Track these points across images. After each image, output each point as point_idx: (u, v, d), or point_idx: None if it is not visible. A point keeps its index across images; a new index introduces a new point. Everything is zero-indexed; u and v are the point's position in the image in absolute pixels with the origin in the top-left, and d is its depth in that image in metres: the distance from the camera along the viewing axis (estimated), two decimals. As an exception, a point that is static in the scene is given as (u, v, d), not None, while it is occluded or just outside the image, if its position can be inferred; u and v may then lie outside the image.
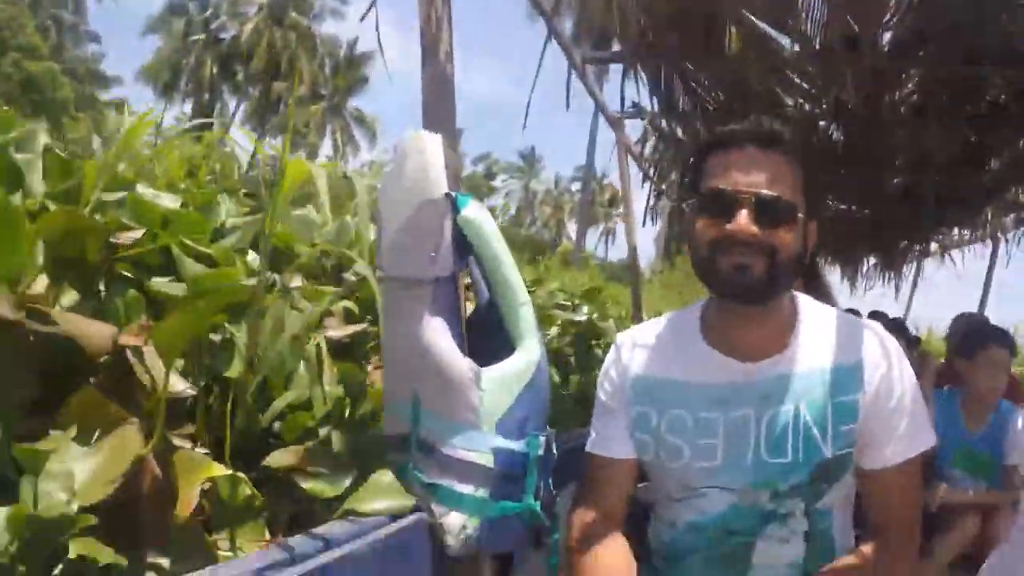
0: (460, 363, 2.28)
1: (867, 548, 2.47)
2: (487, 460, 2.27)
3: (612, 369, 2.65)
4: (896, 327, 8.90)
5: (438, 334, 2.30)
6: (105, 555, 1.56)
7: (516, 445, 2.32)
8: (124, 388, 1.95)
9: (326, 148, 72.11)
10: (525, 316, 2.50)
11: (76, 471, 1.65)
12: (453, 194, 2.43)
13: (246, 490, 2.08)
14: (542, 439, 2.38)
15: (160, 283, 2.38)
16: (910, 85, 6.13)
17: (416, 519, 2.19)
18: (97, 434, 1.76)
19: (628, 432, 2.55)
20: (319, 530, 1.92)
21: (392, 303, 2.41)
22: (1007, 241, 10.85)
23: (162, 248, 2.46)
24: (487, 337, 2.55)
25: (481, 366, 2.34)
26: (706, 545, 2.51)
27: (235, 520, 2.04)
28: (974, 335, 5.81)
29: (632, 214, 7.36)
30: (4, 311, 1.76)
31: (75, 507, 1.59)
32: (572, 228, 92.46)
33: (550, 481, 2.48)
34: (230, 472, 1.98)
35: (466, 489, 2.24)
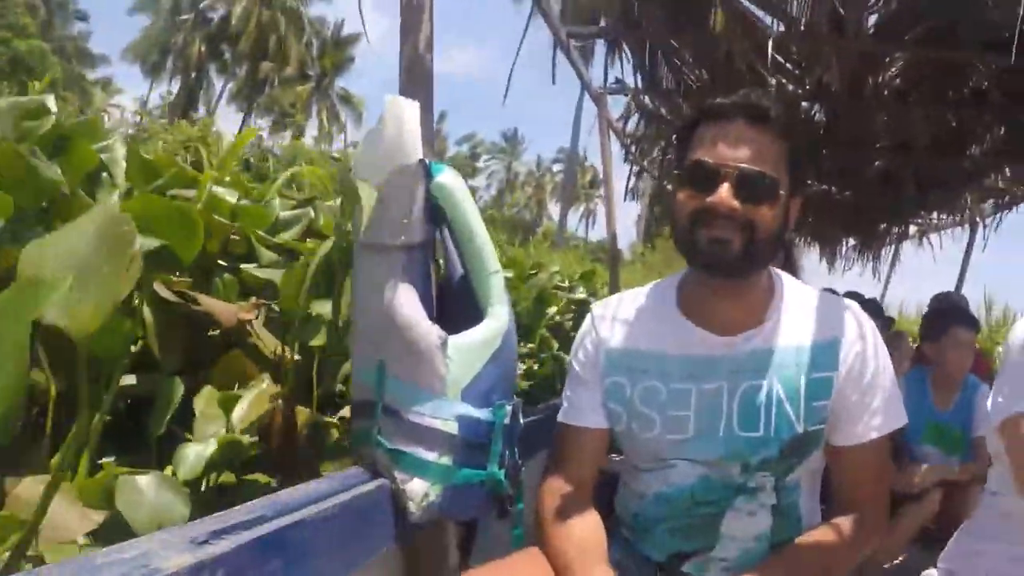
0: (427, 330, 2.27)
1: (835, 523, 2.47)
2: (451, 427, 2.26)
3: (586, 339, 2.64)
4: (871, 308, 8.94)
5: (407, 301, 2.29)
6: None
7: (481, 413, 2.32)
8: (251, 352, 2.61)
9: (312, 128, 72.28)
10: (495, 284, 2.50)
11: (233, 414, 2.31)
12: (427, 160, 2.43)
13: (335, 432, 2.73)
14: (508, 408, 2.38)
15: (250, 268, 2.89)
16: (894, 69, 6.14)
17: (378, 484, 2.19)
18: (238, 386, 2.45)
19: (600, 402, 2.54)
20: (278, 494, 1.91)
21: (363, 268, 2.40)
22: (985, 226, 10.89)
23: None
24: (458, 305, 2.55)
25: (450, 334, 2.34)
26: (674, 516, 2.50)
27: (327, 454, 2.63)
28: (939, 318, 5.98)
29: (612, 190, 7.35)
30: (166, 294, 2.35)
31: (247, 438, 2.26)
32: (552, 209, 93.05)
33: (516, 450, 2.48)
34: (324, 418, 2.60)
35: (430, 456, 2.24)
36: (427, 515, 2.24)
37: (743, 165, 2.26)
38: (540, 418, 3.18)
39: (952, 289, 10.53)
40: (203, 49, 67.96)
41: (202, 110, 67.21)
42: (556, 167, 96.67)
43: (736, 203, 2.24)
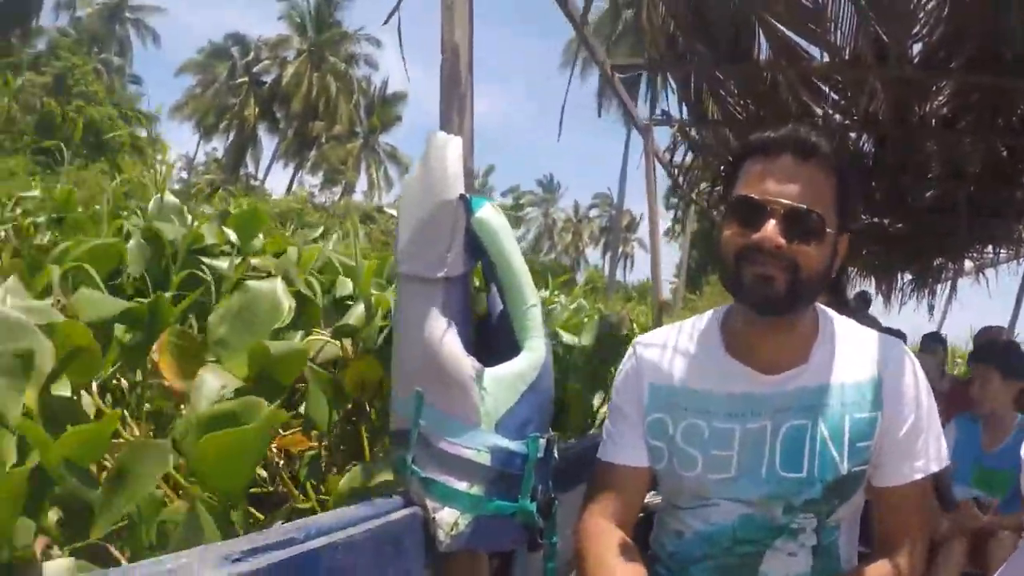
0: (463, 361, 2.31)
1: (877, 565, 2.43)
2: (484, 458, 2.29)
3: (628, 374, 2.60)
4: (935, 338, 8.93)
5: (444, 332, 2.33)
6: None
7: (515, 445, 2.33)
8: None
9: (362, 183, 74.90)
10: (533, 318, 2.52)
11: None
12: (468, 196, 2.46)
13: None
14: (542, 441, 2.39)
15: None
16: (941, 97, 6.09)
17: (410, 512, 2.22)
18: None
19: (642, 439, 2.51)
20: (313, 518, 1.93)
21: (404, 299, 2.45)
22: (1040, 259, 10.77)
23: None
24: (497, 338, 2.56)
25: (489, 366, 2.35)
26: (714, 555, 2.47)
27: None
28: (971, 358, 5.92)
29: (658, 223, 7.34)
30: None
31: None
32: (589, 253, 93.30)
33: (550, 484, 2.48)
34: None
35: (461, 486, 2.26)
36: (456, 544, 2.26)
37: (790, 202, 2.23)
38: (576, 452, 3.17)
39: (1008, 323, 10.42)
40: (257, 110, 70.44)
41: (251, 167, 71.12)
42: (593, 212, 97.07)
43: (782, 240, 2.20)
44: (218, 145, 72.01)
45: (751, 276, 2.25)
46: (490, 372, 2.36)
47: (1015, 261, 11.36)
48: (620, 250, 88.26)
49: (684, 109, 6.59)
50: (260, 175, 71.14)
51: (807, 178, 2.27)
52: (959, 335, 16.04)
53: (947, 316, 13.05)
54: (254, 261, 3.68)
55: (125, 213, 4.31)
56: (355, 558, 1.86)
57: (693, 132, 7.17)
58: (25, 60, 47.47)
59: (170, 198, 4.11)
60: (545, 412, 2.51)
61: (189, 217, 4.06)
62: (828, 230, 2.27)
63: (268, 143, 73.09)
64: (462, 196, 2.44)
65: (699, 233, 11.01)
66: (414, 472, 2.28)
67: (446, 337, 2.32)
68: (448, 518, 2.25)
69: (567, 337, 4.34)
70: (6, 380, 1.87)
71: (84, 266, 3.00)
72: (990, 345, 6.55)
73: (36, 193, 4.56)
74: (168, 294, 2.87)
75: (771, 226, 2.21)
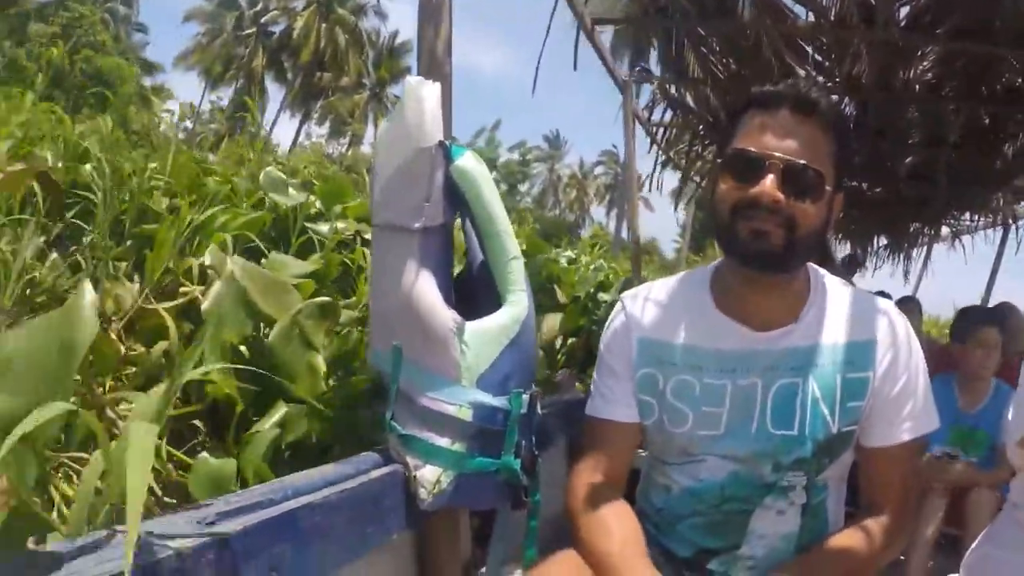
0: (443, 314, 2.25)
1: (863, 525, 2.41)
2: (466, 414, 2.24)
3: (617, 328, 2.55)
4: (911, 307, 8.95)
5: (423, 284, 2.27)
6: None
7: (497, 401, 2.28)
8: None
9: (369, 134, 73.62)
10: (514, 270, 2.46)
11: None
12: (447, 142, 2.39)
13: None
14: (525, 397, 2.34)
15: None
16: (925, 62, 6.05)
17: (390, 470, 2.17)
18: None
19: (632, 394, 2.47)
20: (290, 477, 1.89)
21: (380, 251, 2.39)
22: (1017, 228, 10.80)
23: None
24: (477, 291, 2.51)
25: (470, 320, 2.31)
26: (702, 511, 2.45)
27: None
28: (965, 319, 6.01)
29: (635, 180, 7.30)
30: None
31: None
32: (594, 210, 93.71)
33: (533, 440, 2.44)
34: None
35: (442, 442, 2.21)
36: (439, 502, 2.21)
37: (789, 157, 2.18)
38: (559, 408, 3.14)
39: (983, 291, 10.47)
40: (264, 60, 70.85)
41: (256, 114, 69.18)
42: (599, 170, 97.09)
43: (780, 195, 2.16)
44: (223, 94, 71.04)
45: (747, 231, 2.19)
46: (471, 326, 2.30)
47: (991, 228, 11.41)
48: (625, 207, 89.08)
49: (665, 66, 6.55)
50: (263, 123, 71.01)
51: (806, 134, 2.21)
52: (932, 302, 16.12)
53: (921, 282, 13.12)
54: (340, 224, 4.51)
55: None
56: (333, 518, 1.83)
57: (673, 90, 7.13)
58: (31, 9, 47.75)
59: (275, 172, 4.81)
60: (528, 367, 2.46)
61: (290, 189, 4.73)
62: (826, 187, 2.23)
63: (274, 93, 73.27)
64: (441, 143, 2.37)
65: (701, 197, 10.95)
66: (393, 428, 2.23)
67: (424, 289, 2.26)
68: (430, 476, 2.19)
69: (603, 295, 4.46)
70: (313, 323, 3.02)
71: (247, 234, 3.89)
72: (993, 311, 6.56)
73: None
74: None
75: (769, 180, 2.16)
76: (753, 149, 2.20)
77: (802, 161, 2.17)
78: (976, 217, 11.23)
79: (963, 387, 5.75)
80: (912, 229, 12.27)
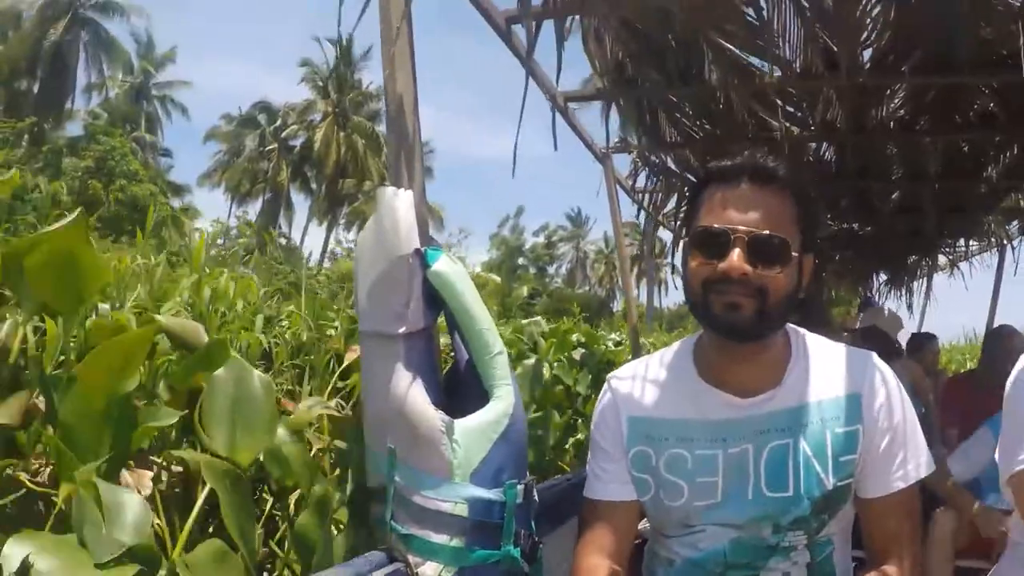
0: (431, 416, 2.32)
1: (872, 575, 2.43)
2: (461, 510, 2.30)
3: (605, 409, 2.62)
4: (932, 348, 8.95)
5: (409, 388, 2.34)
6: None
7: (492, 494, 2.34)
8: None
9: None
10: (499, 365, 2.53)
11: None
12: (423, 249, 2.45)
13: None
14: (520, 487, 2.38)
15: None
16: (896, 100, 6.12)
17: (393, 568, 2.21)
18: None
19: (627, 473, 2.52)
20: None
21: (367, 357, 2.47)
22: (1013, 249, 10.79)
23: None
24: (466, 389, 2.55)
25: (462, 416, 2.34)
26: None
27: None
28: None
29: (624, 250, 7.35)
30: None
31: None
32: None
33: (533, 527, 2.47)
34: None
35: (440, 539, 2.27)
36: (443, 598, 2.23)
37: (753, 229, 2.24)
38: (559, 490, 3.16)
39: (986, 317, 10.44)
40: (288, 172, 74.19)
41: (284, 226, 74.70)
42: (625, 241, 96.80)
43: (747, 268, 2.23)
44: (248, 208, 75.12)
45: (719, 305, 2.27)
46: (460, 424, 2.36)
47: (987, 252, 11.40)
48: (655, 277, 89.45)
49: (641, 134, 6.59)
50: (291, 233, 74.54)
51: (767, 204, 2.29)
52: (939, 330, 16.12)
53: (926, 312, 13.10)
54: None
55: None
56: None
57: (652, 156, 7.17)
58: (63, 145, 49.97)
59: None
60: (519, 458, 2.51)
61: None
62: (793, 253, 2.28)
63: (299, 203, 76.80)
64: (416, 250, 2.45)
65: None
66: (393, 528, 2.29)
67: (411, 392, 2.34)
68: (431, 572, 2.26)
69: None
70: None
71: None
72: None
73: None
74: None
75: (736, 255, 2.23)
76: (717, 225, 2.28)
77: (766, 231, 2.24)
78: (970, 242, 11.23)
79: None
80: (910, 262, 12.28)
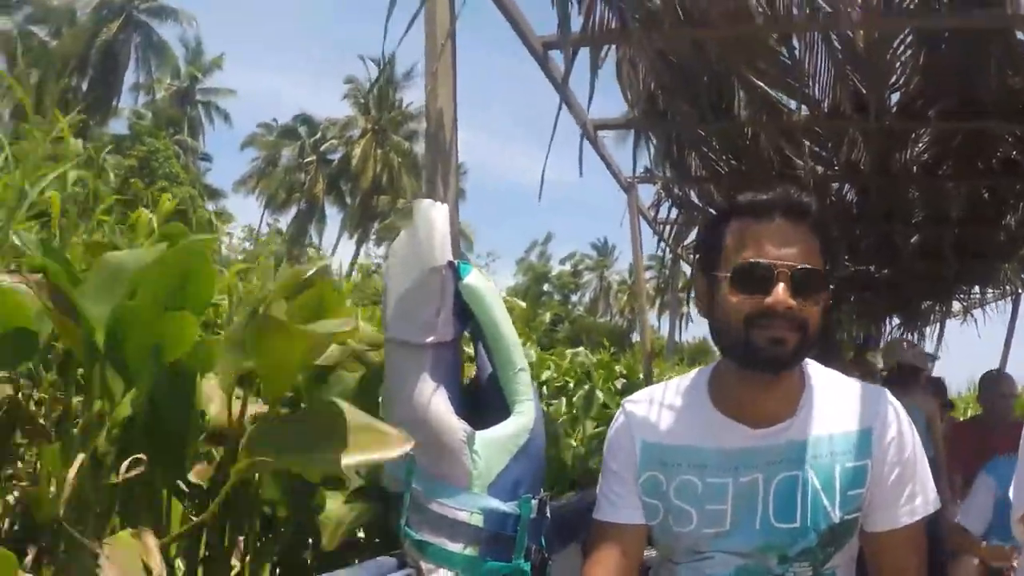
0: (454, 425, 2.35)
1: None
2: (477, 520, 2.32)
3: (620, 434, 2.62)
4: (936, 386, 8.91)
5: (434, 397, 2.37)
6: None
7: (507, 507, 2.36)
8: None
9: None
10: (522, 381, 2.56)
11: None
12: (456, 262, 2.50)
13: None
14: (535, 502, 2.42)
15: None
16: (921, 144, 6.16)
17: (405, 574, 2.23)
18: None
19: (637, 497, 2.53)
20: None
21: (393, 364, 2.49)
22: (1028, 297, 10.79)
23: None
24: (487, 400, 2.60)
25: (482, 428, 2.39)
26: None
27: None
28: None
29: (643, 279, 7.39)
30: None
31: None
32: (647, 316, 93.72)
33: (543, 543, 2.51)
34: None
35: (455, 547, 2.29)
36: (452, 606, 2.26)
37: (796, 264, 2.26)
38: (569, 510, 3.18)
39: (997, 364, 10.43)
40: (324, 186, 75.01)
41: (315, 237, 75.83)
42: (648, 273, 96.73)
43: (792, 302, 2.24)
44: (280, 216, 75.96)
45: (763, 339, 2.27)
46: (481, 435, 2.39)
47: (1002, 300, 11.41)
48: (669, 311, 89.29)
49: (667, 166, 6.64)
50: (321, 244, 74.77)
51: (802, 238, 2.31)
52: (949, 377, 16.09)
53: (936, 362, 13.07)
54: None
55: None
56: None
57: (676, 188, 7.23)
58: (108, 141, 50.34)
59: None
60: (537, 473, 2.53)
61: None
62: (827, 286, 2.33)
63: (331, 215, 77.18)
64: (450, 263, 2.49)
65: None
66: (408, 534, 2.32)
67: (435, 401, 2.37)
68: None
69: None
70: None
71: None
72: None
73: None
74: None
75: (781, 289, 2.24)
76: (763, 260, 2.28)
77: (807, 265, 2.27)
78: (985, 290, 11.24)
79: None
80: (924, 307, 12.28)
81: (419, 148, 75.98)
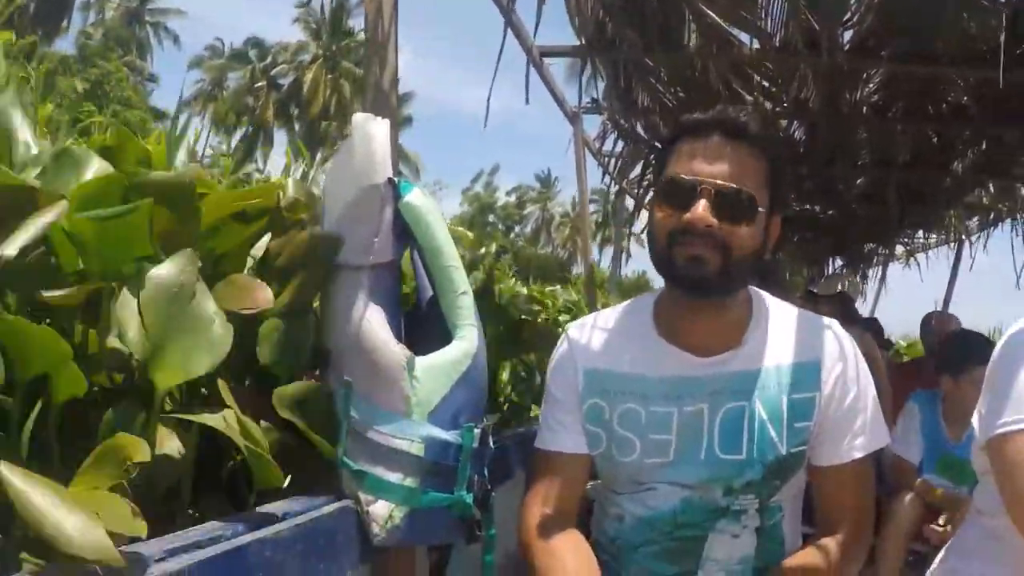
0: (393, 350, 2.24)
1: (820, 544, 2.43)
2: (417, 449, 2.21)
3: (563, 360, 2.58)
4: (872, 327, 8.94)
5: (373, 320, 2.26)
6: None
7: (449, 436, 2.26)
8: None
9: None
10: (464, 305, 2.45)
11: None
12: (396, 179, 2.40)
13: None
14: (477, 431, 2.32)
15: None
16: (871, 84, 6.15)
17: (342, 506, 2.14)
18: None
19: (580, 425, 2.49)
20: (240, 514, 1.88)
21: (330, 287, 2.37)
22: (971, 244, 10.88)
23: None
24: (429, 326, 2.51)
25: (421, 355, 2.30)
26: (656, 539, 2.45)
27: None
28: (961, 354, 5.75)
29: (588, 212, 7.35)
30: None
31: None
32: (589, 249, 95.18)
33: (486, 474, 2.43)
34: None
35: (394, 477, 2.19)
36: (391, 539, 2.18)
37: (720, 182, 2.21)
38: (510, 442, 3.14)
39: (939, 308, 10.51)
40: (273, 110, 75.81)
41: (259, 161, 74.71)
42: (592, 207, 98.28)
43: (713, 220, 2.19)
44: (224, 140, 75.58)
45: (683, 257, 2.23)
46: (421, 361, 2.28)
47: (945, 246, 11.51)
48: (616, 246, 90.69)
49: (613, 97, 6.58)
50: (267, 169, 75.20)
51: (737, 158, 2.26)
52: (889, 321, 16.22)
53: (879, 301, 13.21)
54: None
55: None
56: (285, 554, 1.81)
57: (622, 120, 7.16)
58: (55, 62, 50.08)
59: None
60: (479, 401, 2.44)
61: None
62: (759, 209, 2.26)
63: (279, 139, 77.27)
64: (390, 180, 2.37)
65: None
66: (346, 464, 2.21)
67: (374, 324, 2.25)
68: (382, 511, 2.17)
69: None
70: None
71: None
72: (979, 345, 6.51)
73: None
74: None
75: (702, 206, 2.19)
76: (684, 175, 2.23)
77: (733, 185, 2.21)
78: (929, 235, 11.32)
79: (951, 419, 5.71)
80: (867, 250, 12.37)
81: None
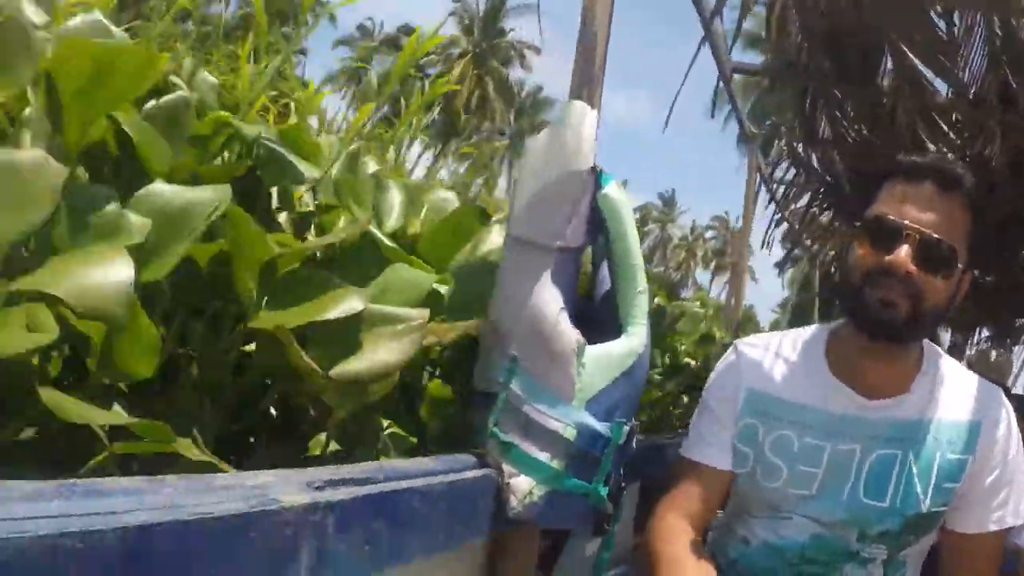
0: (569, 333, 2.27)
1: None
2: (570, 433, 2.24)
3: (727, 375, 2.61)
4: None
5: (552, 301, 2.29)
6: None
7: (601, 427, 2.28)
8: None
9: (503, 179, 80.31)
10: (640, 304, 2.48)
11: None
12: (599, 169, 2.42)
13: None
14: (626, 428, 2.34)
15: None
16: (1060, 151, 5.97)
17: (484, 473, 2.17)
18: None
19: (730, 442, 2.51)
20: (389, 462, 1.92)
21: (512, 263, 2.39)
22: None
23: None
24: (597, 317, 2.53)
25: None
26: (779, 570, 2.47)
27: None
28: None
29: (748, 230, 7.31)
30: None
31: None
32: (698, 273, 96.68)
33: (622, 472, 2.45)
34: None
35: (542, 456, 2.21)
36: (527, 513, 2.21)
37: (926, 230, 2.20)
38: (639, 448, 3.14)
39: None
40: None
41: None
42: (708, 234, 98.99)
43: (912, 267, 2.19)
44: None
45: (875, 299, 2.23)
46: (590, 349, 2.31)
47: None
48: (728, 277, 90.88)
49: (796, 123, 6.52)
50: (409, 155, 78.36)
51: (946, 209, 2.25)
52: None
53: (1019, 379, 12.90)
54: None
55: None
56: (431, 508, 1.84)
57: (800, 149, 7.09)
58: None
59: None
60: (634, 400, 2.46)
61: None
62: (958, 264, 2.24)
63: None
64: (593, 168, 2.39)
65: (804, 279, 10.86)
66: (495, 435, 2.24)
67: (554, 306, 2.29)
68: (523, 486, 2.20)
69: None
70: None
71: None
72: None
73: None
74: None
75: (904, 251, 2.19)
76: (892, 217, 2.24)
77: (938, 236, 2.20)
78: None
79: None
80: (1018, 324, 12.05)
81: (515, 75, 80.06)
